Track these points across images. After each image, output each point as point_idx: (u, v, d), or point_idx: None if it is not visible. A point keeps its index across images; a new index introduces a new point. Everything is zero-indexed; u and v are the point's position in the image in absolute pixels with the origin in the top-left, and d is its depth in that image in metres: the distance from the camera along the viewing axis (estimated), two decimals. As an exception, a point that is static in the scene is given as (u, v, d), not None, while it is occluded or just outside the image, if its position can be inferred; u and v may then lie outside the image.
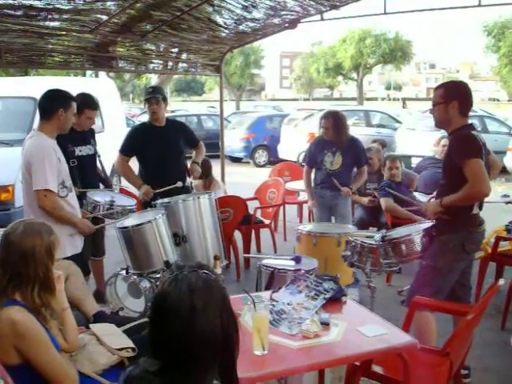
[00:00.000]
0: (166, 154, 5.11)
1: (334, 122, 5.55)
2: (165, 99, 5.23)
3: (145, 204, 5.06)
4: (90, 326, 3.00)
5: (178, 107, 34.46)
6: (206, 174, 6.62)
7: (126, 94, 48.20)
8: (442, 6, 6.63)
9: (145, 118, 19.22)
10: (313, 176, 5.90)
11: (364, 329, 2.73)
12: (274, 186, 7.61)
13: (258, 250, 6.89)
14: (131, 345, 2.82)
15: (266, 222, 7.04)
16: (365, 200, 6.37)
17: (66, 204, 3.92)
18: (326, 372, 3.30)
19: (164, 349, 1.52)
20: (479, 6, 5.83)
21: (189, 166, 5.37)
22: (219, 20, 6.84)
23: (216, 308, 1.53)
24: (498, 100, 62.47)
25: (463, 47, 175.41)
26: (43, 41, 6.17)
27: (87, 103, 4.82)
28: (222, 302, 1.55)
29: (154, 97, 5.09)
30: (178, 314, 1.49)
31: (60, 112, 3.88)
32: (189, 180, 5.47)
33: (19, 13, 5.34)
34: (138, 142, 5.25)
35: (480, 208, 3.64)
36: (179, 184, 5.01)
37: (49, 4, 5.24)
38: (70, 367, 2.49)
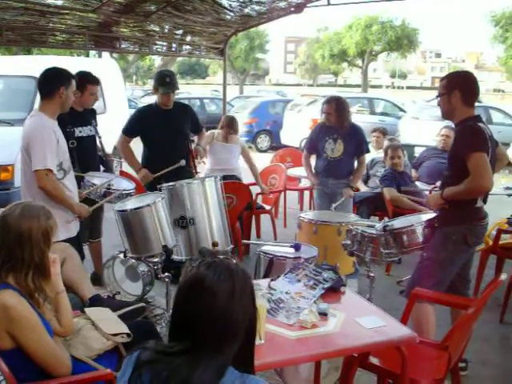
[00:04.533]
0: (172, 137, 5.09)
1: (337, 107, 5.47)
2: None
3: (150, 188, 5.02)
4: (86, 310, 2.96)
5: (181, 90, 34.27)
6: (233, 129, 6.52)
7: (130, 75, 48.02)
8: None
9: (147, 100, 19.14)
10: (313, 163, 5.84)
11: (362, 320, 2.69)
12: (275, 172, 7.54)
13: (258, 236, 6.85)
14: (126, 330, 2.79)
15: (267, 207, 6.99)
16: (363, 187, 6.35)
17: (63, 186, 3.87)
18: (322, 362, 3.27)
19: (194, 329, 1.54)
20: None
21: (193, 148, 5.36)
22: (224, 2, 6.76)
23: (250, 294, 1.60)
24: (503, 91, 62.11)
25: (470, 37, 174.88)
26: (45, 19, 6.11)
27: (88, 79, 4.76)
28: (252, 289, 1.63)
29: (174, 88, 5.12)
30: (217, 295, 1.53)
31: (61, 90, 3.81)
32: (197, 164, 5.45)
33: (21, -10, 5.27)
34: (143, 124, 5.22)
35: (484, 201, 3.60)
36: (182, 163, 4.98)
37: (51, -19, 5.18)
38: (62, 353, 2.46)
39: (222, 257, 1.64)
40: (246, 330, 1.59)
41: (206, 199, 4.37)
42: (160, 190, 4.44)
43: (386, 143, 7.28)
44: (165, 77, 5.15)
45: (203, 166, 6.22)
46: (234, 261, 1.65)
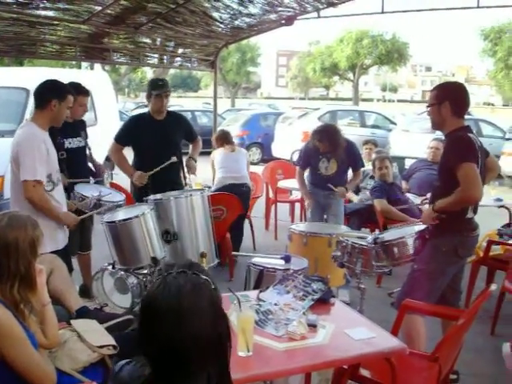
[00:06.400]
0: (163, 147, 5.02)
1: (330, 143, 5.42)
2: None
3: (137, 199, 4.97)
4: (72, 321, 2.91)
5: (173, 103, 34.26)
6: (231, 141, 6.76)
7: (122, 88, 48.05)
8: (439, 7, 6.59)
9: (138, 112, 19.04)
10: (305, 174, 5.85)
11: (352, 332, 2.67)
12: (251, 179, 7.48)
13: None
14: (112, 342, 2.74)
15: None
16: (355, 197, 6.36)
17: (51, 198, 3.84)
18: (312, 374, 3.24)
19: (153, 352, 1.48)
20: (478, 7, 5.79)
21: (185, 162, 5.30)
22: (215, 14, 6.79)
23: (205, 310, 1.48)
24: (492, 105, 62.55)
25: (460, 51, 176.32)
26: (35, 30, 6.09)
27: (78, 90, 4.72)
28: (211, 303, 1.50)
29: (167, 91, 5.06)
30: (166, 316, 1.45)
31: (53, 103, 3.79)
32: (188, 177, 5.40)
33: (11, 0, 5.25)
34: (134, 132, 5.16)
35: (474, 212, 3.59)
36: (174, 159, 4.93)
37: (41, -8, 5.17)
38: (47, 365, 2.41)
39: (176, 272, 1.51)
40: (216, 347, 1.50)
41: (193, 214, 4.34)
42: (146, 202, 4.40)
43: (373, 156, 7.30)
44: (157, 81, 5.26)
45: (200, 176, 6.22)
46: (192, 274, 1.52)
